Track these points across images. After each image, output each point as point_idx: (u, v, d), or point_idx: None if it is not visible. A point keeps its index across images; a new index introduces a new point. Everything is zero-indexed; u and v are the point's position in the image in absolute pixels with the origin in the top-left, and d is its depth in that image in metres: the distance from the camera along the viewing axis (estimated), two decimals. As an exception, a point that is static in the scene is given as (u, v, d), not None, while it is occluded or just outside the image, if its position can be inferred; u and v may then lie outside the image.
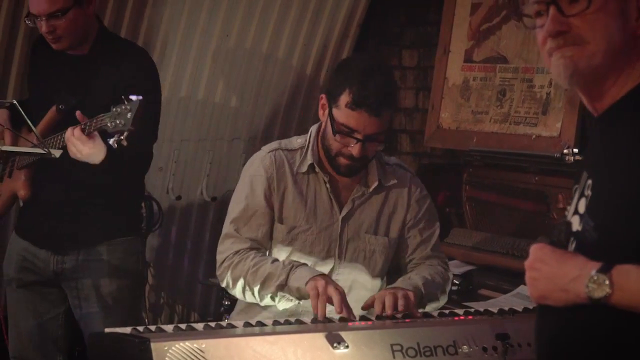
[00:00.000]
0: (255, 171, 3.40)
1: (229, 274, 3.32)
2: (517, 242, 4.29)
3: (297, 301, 3.24)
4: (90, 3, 3.87)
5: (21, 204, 4.10)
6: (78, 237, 3.92)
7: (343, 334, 2.73)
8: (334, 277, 3.35)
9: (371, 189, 3.41)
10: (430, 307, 3.32)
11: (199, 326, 2.89)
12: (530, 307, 3.26)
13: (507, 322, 2.95)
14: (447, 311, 3.16)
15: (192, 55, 5.15)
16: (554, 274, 2.02)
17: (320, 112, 3.37)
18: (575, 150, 4.10)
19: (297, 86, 5.53)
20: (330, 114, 3.28)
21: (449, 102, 4.86)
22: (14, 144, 3.86)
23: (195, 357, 2.57)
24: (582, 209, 2.10)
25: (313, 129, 3.45)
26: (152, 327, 2.83)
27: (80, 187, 3.89)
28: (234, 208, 3.41)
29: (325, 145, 3.35)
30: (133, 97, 3.50)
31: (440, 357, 2.77)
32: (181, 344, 2.58)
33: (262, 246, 3.37)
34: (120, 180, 3.89)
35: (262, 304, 3.31)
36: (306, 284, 3.14)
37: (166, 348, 2.56)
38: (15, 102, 3.64)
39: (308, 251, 3.37)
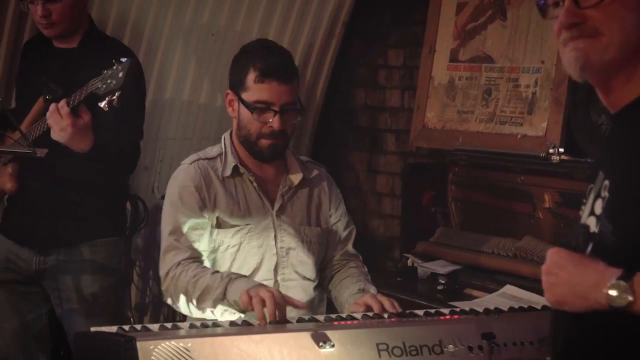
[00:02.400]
0: (182, 182, 3.40)
1: (172, 287, 3.29)
2: (502, 242, 4.29)
3: (239, 314, 3.19)
4: None
5: (5, 202, 4.09)
6: (60, 235, 3.91)
7: (329, 333, 2.73)
8: (279, 272, 3.39)
9: (296, 183, 3.45)
10: None
11: (185, 325, 2.89)
12: (516, 307, 3.27)
13: (492, 322, 2.95)
14: (432, 310, 3.15)
15: (177, 54, 5.14)
16: (573, 280, 1.97)
17: (229, 109, 3.43)
18: (561, 149, 4.11)
19: (283, 85, 5.51)
20: (242, 100, 3.33)
21: (435, 102, 4.86)
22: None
23: (181, 356, 2.57)
24: (598, 210, 2.04)
25: (226, 135, 3.48)
26: (138, 326, 2.83)
27: (65, 185, 3.88)
28: (168, 223, 3.39)
29: (243, 135, 3.37)
30: (123, 59, 3.49)
31: (425, 357, 2.77)
32: (167, 343, 2.58)
33: (201, 255, 3.35)
34: (105, 178, 3.89)
35: (205, 316, 3.26)
36: (241, 295, 3.11)
37: (152, 347, 2.55)
38: (-1, 100, 3.64)
39: (251, 251, 3.38)
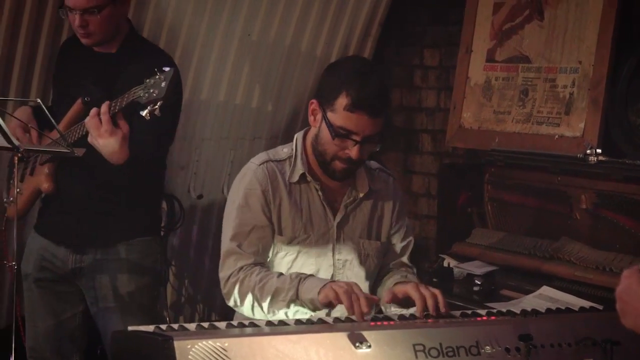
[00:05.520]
0: (249, 185, 3.34)
1: (236, 290, 3.27)
2: (539, 243, 4.28)
3: (310, 313, 3.18)
4: (125, 2, 3.89)
5: (41, 202, 4.11)
6: (97, 236, 3.93)
7: (365, 333, 2.72)
8: None
9: (362, 195, 3.40)
10: None
11: (222, 325, 2.89)
12: (553, 308, 3.25)
13: (530, 323, 2.93)
14: (469, 311, 3.14)
15: (213, 55, 5.16)
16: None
17: (311, 118, 3.32)
18: (599, 150, 4.08)
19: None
20: (326, 119, 3.24)
21: (471, 102, 4.85)
22: (39, 142, 3.88)
23: (218, 355, 2.57)
24: None
25: (298, 136, 3.41)
26: (175, 326, 2.83)
27: (101, 185, 3.90)
28: (232, 225, 3.33)
29: (319, 150, 3.30)
30: (166, 68, 3.49)
31: (462, 358, 2.76)
32: (204, 342, 2.58)
33: (264, 260, 3.33)
34: (138, 179, 3.90)
35: (273, 319, 3.21)
36: (318, 293, 3.10)
37: (189, 346, 2.56)
38: (39, 100, 3.64)
39: (309, 260, 3.35)
